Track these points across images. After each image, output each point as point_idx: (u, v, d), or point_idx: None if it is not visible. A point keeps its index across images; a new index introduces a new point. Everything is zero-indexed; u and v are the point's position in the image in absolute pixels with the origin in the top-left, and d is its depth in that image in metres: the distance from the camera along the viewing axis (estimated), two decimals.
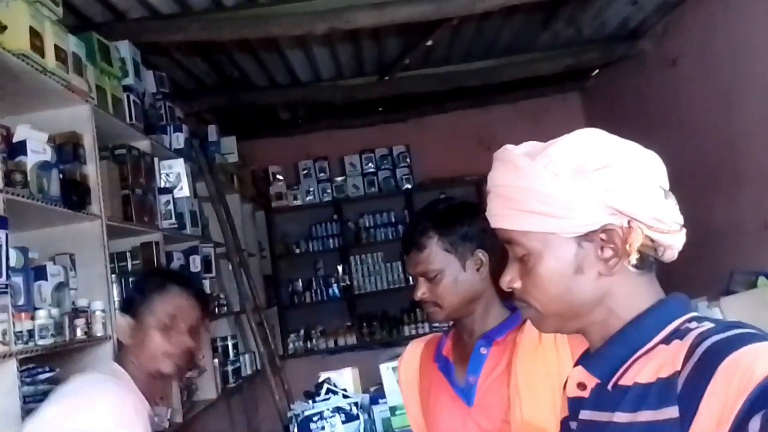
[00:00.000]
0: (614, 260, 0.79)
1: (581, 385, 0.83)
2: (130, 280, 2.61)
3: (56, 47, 2.26)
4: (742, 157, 3.65)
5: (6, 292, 1.83)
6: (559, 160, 0.79)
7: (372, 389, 2.27)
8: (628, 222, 0.78)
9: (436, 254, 1.31)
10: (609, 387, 0.78)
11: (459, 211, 1.36)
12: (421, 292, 1.33)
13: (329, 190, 5.79)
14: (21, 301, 2.00)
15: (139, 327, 1.50)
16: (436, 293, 1.32)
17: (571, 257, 0.80)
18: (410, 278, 5.64)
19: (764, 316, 2.41)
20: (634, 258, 0.79)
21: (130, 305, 1.55)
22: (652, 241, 0.80)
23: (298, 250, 5.77)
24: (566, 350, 1.19)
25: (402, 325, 5.58)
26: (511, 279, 0.86)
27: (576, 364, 0.86)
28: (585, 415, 0.81)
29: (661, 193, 0.79)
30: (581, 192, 0.78)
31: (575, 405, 0.84)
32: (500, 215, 0.84)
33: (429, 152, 5.75)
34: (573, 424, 0.84)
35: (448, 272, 1.31)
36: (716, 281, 2.96)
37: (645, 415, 0.72)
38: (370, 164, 5.83)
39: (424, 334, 1.56)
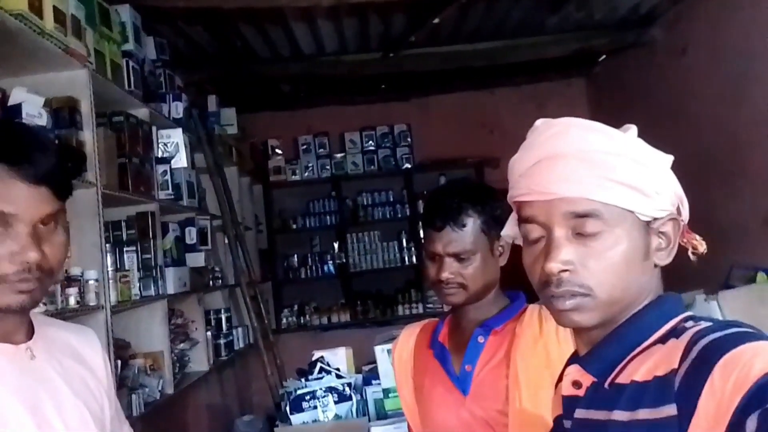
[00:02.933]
0: (668, 252, 0.78)
1: (576, 384, 0.82)
2: None
3: (55, 9, 2.20)
4: (748, 151, 3.61)
5: None
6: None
7: (365, 369, 2.26)
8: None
9: (473, 234, 1.27)
10: (606, 385, 0.77)
11: (491, 192, 1.33)
12: (450, 272, 1.27)
13: (328, 167, 5.74)
14: None
15: None
16: (465, 275, 1.28)
17: (640, 242, 0.77)
18: (406, 258, 5.66)
19: (761, 312, 2.40)
20: (673, 253, 0.79)
21: None
22: None
23: (294, 226, 5.73)
24: (569, 343, 1.16)
25: (396, 305, 5.54)
26: (570, 258, 0.75)
27: (568, 363, 0.85)
28: (581, 413, 0.80)
29: None
30: (665, 174, 0.78)
31: (570, 403, 0.82)
32: (583, 182, 0.75)
33: (430, 132, 5.69)
34: (567, 423, 0.82)
35: (480, 254, 1.28)
36: (715, 275, 2.94)
37: (644, 413, 0.71)
38: (371, 142, 5.77)
39: (418, 314, 1.55)
